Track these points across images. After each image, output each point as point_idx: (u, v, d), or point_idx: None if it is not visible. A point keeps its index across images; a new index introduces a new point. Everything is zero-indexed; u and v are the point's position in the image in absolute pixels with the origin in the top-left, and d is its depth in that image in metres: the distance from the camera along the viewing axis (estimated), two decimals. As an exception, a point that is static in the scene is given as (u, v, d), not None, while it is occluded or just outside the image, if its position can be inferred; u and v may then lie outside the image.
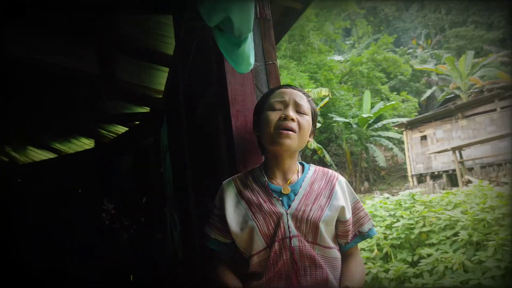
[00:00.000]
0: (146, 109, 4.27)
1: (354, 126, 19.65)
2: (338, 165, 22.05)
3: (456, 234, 5.54)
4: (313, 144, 16.59)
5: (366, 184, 20.85)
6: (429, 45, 33.66)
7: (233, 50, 1.01)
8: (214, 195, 1.25)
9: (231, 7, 0.87)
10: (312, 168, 1.27)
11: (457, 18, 32.34)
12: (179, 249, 2.62)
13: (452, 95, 22.84)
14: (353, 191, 1.26)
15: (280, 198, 1.16)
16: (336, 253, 1.18)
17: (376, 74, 23.86)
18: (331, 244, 1.17)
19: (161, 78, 3.57)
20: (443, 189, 13.88)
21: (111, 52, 3.26)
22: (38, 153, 6.11)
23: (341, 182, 1.24)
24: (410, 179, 18.37)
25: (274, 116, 1.17)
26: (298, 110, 1.18)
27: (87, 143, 5.65)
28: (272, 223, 1.13)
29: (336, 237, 1.23)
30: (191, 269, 2.48)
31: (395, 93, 24.90)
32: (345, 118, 19.85)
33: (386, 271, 5.33)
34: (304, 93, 1.23)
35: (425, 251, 5.53)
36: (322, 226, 1.13)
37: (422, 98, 26.71)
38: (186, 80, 1.82)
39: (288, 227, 1.12)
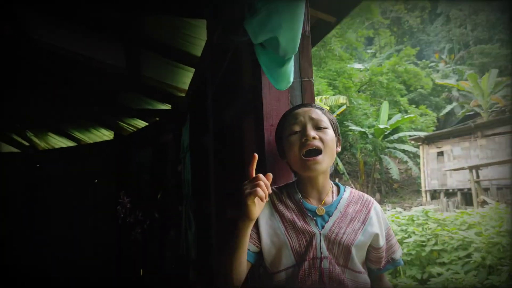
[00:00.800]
0: (167, 106, 4.30)
1: (370, 136, 19.46)
2: (351, 174, 21.87)
3: (469, 256, 5.45)
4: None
5: (377, 195, 20.62)
6: (452, 60, 33.12)
7: (275, 68, 1.01)
8: (237, 203, 1.24)
9: (280, 27, 0.86)
10: (348, 190, 1.24)
11: (483, 34, 31.74)
12: (193, 249, 2.63)
13: (472, 113, 22.44)
14: (386, 218, 1.25)
15: (314, 218, 1.15)
16: (366, 278, 1.17)
17: (396, 86, 23.59)
18: (361, 269, 1.16)
19: (185, 77, 3.60)
20: (457, 207, 13.64)
21: (138, 48, 3.31)
22: (58, 140, 6.21)
23: (376, 208, 1.22)
24: (423, 194, 18.09)
25: (295, 140, 1.15)
26: (317, 126, 1.16)
27: (106, 134, 5.72)
28: (304, 242, 1.11)
29: (368, 262, 1.22)
30: (204, 271, 2.50)
31: (414, 106, 24.57)
32: (361, 128, 19.68)
33: (395, 286, 5.27)
34: (318, 107, 1.22)
35: (435, 269, 5.46)
36: (354, 250, 1.12)
37: (441, 113, 26.28)
38: (216, 86, 1.83)
39: (320, 248, 1.10)
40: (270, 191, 1.04)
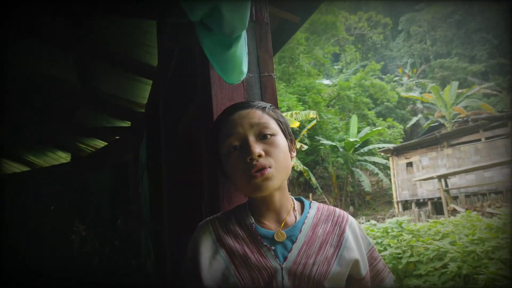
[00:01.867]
0: (127, 123, 4.04)
1: (341, 149, 19.65)
2: (324, 188, 21.93)
3: (445, 266, 5.39)
4: (299, 166, 16.45)
5: (351, 208, 20.71)
6: (414, 74, 34.48)
7: (222, 52, 0.76)
8: (193, 227, 0.98)
9: (222, -5, 0.65)
10: (314, 206, 0.97)
11: (442, 49, 33.36)
12: (154, 280, 2.35)
13: (437, 124, 23.19)
14: (367, 236, 0.97)
15: (273, 247, 0.88)
16: None
17: (363, 100, 24.16)
18: None
19: (144, 91, 3.36)
20: (428, 217, 13.82)
21: (91, 61, 3.05)
22: (11, 165, 5.78)
23: (352, 224, 0.95)
24: (395, 205, 18.30)
25: (236, 159, 0.89)
26: (262, 133, 0.89)
27: (63, 157, 5.36)
28: (262, 282, 0.85)
29: None
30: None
31: (381, 118, 25.20)
32: (332, 142, 19.87)
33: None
34: (258, 107, 0.93)
35: (412, 282, 5.37)
36: (328, 285, 0.86)
37: (408, 125, 27.06)
38: (166, 93, 1.59)
39: (283, 287, 0.84)
40: None
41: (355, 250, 0.91)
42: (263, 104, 0.94)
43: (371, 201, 22.05)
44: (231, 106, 0.95)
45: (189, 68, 1.36)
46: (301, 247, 0.88)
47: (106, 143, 4.55)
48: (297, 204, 0.98)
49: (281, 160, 0.89)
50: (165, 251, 1.78)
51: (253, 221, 0.92)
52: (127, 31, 2.42)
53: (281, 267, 0.85)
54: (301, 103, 20.48)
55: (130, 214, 3.86)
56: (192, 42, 1.20)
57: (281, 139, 0.91)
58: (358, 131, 20.54)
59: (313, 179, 17.64)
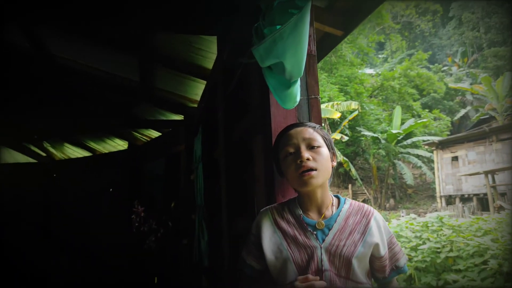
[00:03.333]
0: (180, 117, 4.39)
1: (383, 141, 19.32)
2: (364, 179, 21.70)
3: (485, 262, 5.35)
4: (340, 157, 16.43)
5: (391, 201, 20.40)
6: (465, 63, 32.73)
7: (282, 90, 1.06)
8: (246, 217, 1.30)
9: (285, 53, 0.92)
10: (348, 202, 1.28)
11: (496, 37, 31.31)
12: (205, 257, 2.69)
13: (487, 116, 22.09)
14: (388, 226, 1.27)
15: (315, 232, 1.19)
16: None
17: (408, 90, 23.43)
18: (363, 279, 1.19)
19: (196, 88, 3.68)
20: (473, 213, 13.41)
21: (151, 63, 3.41)
22: (74, 150, 6.35)
23: (376, 218, 1.25)
24: (438, 199, 17.83)
25: (290, 162, 1.21)
26: (310, 145, 1.21)
27: (120, 144, 5.83)
28: (306, 256, 1.16)
29: (373, 272, 1.26)
30: (216, 279, 2.55)
31: (427, 110, 24.31)
32: (374, 133, 19.56)
33: (408, 293, 5.21)
34: (310, 126, 1.25)
35: (451, 277, 5.38)
36: (354, 262, 1.15)
37: (455, 118, 25.95)
38: (226, 102, 1.90)
39: (321, 261, 1.15)
40: None
41: (377, 236, 1.21)
42: (313, 124, 1.27)
43: (413, 195, 21.56)
44: (290, 124, 1.29)
45: (248, 85, 1.64)
46: (335, 233, 1.19)
47: (160, 134, 4.95)
48: (334, 200, 1.28)
49: (323, 165, 1.20)
50: (220, 233, 2.10)
51: (301, 212, 1.24)
52: (187, 39, 2.73)
53: (320, 246, 1.17)
54: (342, 94, 20.26)
55: (181, 199, 4.25)
56: (251, 67, 1.47)
57: (325, 150, 1.23)
58: (402, 123, 20.05)
59: (353, 170, 17.56)
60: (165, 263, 4.30)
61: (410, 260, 6.10)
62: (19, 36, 3.55)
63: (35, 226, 5.63)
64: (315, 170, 1.18)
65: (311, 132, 1.23)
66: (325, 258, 1.15)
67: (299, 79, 1.05)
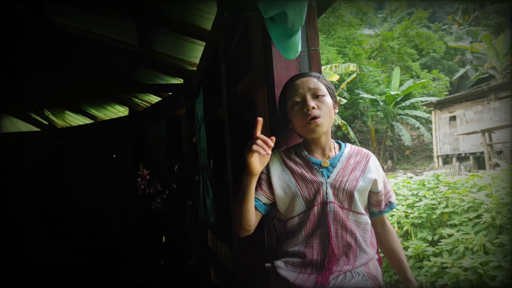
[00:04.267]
0: (179, 80, 4.39)
1: (381, 103, 19.31)
2: (362, 142, 21.88)
3: (479, 217, 5.52)
4: (338, 120, 16.49)
5: (389, 162, 20.69)
6: (466, 21, 31.98)
7: (285, 40, 1.12)
8: None
9: (288, 2, 0.98)
10: (349, 146, 1.42)
11: (499, -7, 30.41)
12: (211, 214, 2.81)
13: (486, 75, 21.92)
14: (381, 168, 1.43)
15: (320, 170, 1.32)
16: (367, 219, 1.35)
17: (407, 50, 23.11)
18: (363, 211, 1.34)
19: (195, 51, 3.66)
20: (469, 171, 13.65)
21: (150, 25, 3.38)
22: (75, 117, 6.38)
23: (374, 158, 1.40)
24: (435, 159, 18.08)
25: (297, 110, 1.30)
26: (315, 94, 1.30)
27: (121, 111, 5.86)
28: (313, 190, 1.29)
29: (370, 207, 1.41)
30: (223, 231, 2.69)
31: (426, 70, 24.10)
32: (372, 95, 19.51)
33: (406, 248, 5.42)
34: (314, 76, 1.34)
35: (446, 231, 5.55)
36: (356, 194, 1.29)
37: (454, 77, 25.75)
38: (228, 60, 1.94)
39: (327, 194, 1.28)
40: (270, 147, 1.20)
41: (375, 173, 1.37)
42: (317, 74, 1.36)
43: (411, 156, 21.82)
44: (296, 75, 1.38)
45: (249, 42, 1.69)
46: (339, 170, 1.33)
47: (160, 99, 4.97)
48: (336, 145, 1.43)
49: (327, 113, 1.31)
50: (226, 189, 2.20)
51: (307, 153, 1.37)
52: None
53: (326, 182, 1.30)
54: (341, 56, 20.02)
55: (184, 161, 4.36)
56: (252, 23, 1.51)
57: (328, 99, 1.33)
58: (401, 84, 19.96)
59: (351, 133, 17.67)
60: (171, 223, 4.46)
61: (406, 216, 6.28)
62: (15, 1, 3.51)
63: (41, 195, 5.74)
64: (320, 117, 1.28)
65: (316, 82, 1.32)
66: (330, 191, 1.28)
67: (300, 29, 1.11)
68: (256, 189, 1.35)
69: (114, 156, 5.59)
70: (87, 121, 6.29)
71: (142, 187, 4.37)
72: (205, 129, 2.82)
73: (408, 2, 32.77)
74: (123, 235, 5.06)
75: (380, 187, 1.37)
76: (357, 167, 1.35)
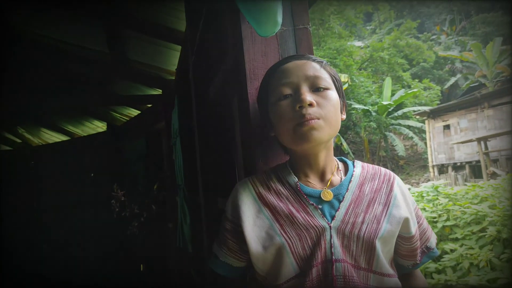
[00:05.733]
0: (158, 91, 4.07)
1: (373, 113, 19.18)
2: (356, 153, 21.68)
3: (483, 230, 5.28)
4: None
5: (384, 173, 20.44)
6: (453, 31, 32.44)
7: (258, 7, 0.72)
8: (229, 192, 0.95)
9: None
10: (359, 165, 0.93)
11: (484, 3, 30.97)
12: (189, 242, 2.42)
13: (477, 84, 21.98)
14: (411, 196, 0.93)
15: (320, 206, 0.84)
16: (397, 282, 0.86)
17: (397, 61, 23.20)
18: (390, 270, 0.85)
19: (174, 58, 3.35)
20: (466, 180, 13.44)
21: (121, 29, 3.05)
22: (51, 134, 6.04)
23: (399, 183, 0.91)
24: (431, 169, 17.87)
25: (285, 107, 0.84)
26: (315, 85, 0.85)
27: (99, 126, 5.53)
28: (310, 241, 0.81)
29: (399, 258, 0.92)
30: (200, 267, 2.29)
31: (417, 80, 24.19)
32: (364, 106, 19.38)
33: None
34: (314, 59, 0.89)
35: (448, 246, 5.30)
36: (378, 245, 0.81)
37: (445, 86, 25.85)
38: (196, 57, 1.55)
39: (331, 247, 0.80)
40: None
41: (404, 208, 0.87)
42: (320, 58, 0.90)
43: (405, 166, 21.64)
44: (287, 57, 0.91)
45: (217, 29, 1.30)
46: (348, 205, 0.84)
47: (139, 112, 4.64)
48: (340, 164, 0.94)
49: (331, 114, 0.84)
50: (201, 215, 1.81)
51: (297, 180, 0.88)
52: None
53: (330, 226, 0.81)
54: (332, 66, 19.94)
55: (164, 180, 3.98)
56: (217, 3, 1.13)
57: (334, 94, 0.87)
58: (392, 94, 19.90)
59: (344, 144, 17.44)
60: (150, 249, 4.04)
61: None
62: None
63: (16, 217, 5.36)
64: (319, 119, 0.83)
65: (317, 69, 0.87)
66: (336, 243, 0.80)
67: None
68: (221, 248, 0.91)
69: (92, 175, 5.20)
70: (64, 137, 5.93)
71: (117, 209, 3.95)
72: (181, 143, 2.45)
73: (396, 13, 33.19)
74: (97, 263, 4.64)
75: (413, 228, 0.87)
76: (376, 198, 0.86)
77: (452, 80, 25.51)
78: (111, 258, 4.52)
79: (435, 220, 5.89)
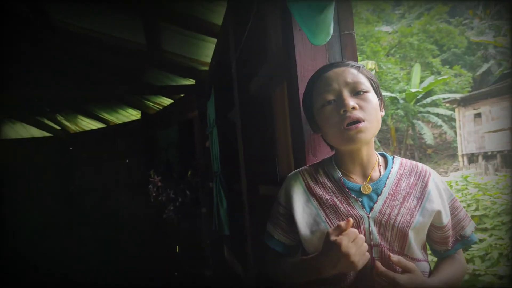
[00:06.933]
0: (191, 81, 4.20)
1: (401, 101, 18.80)
2: (382, 141, 21.38)
3: (513, 221, 5.21)
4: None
5: (410, 162, 20.11)
6: (487, 15, 30.98)
7: (313, 16, 0.81)
8: (269, 180, 1.09)
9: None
10: (398, 161, 1.05)
11: (523, -16, 29.38)
12: (226, 225, 2.57)
13: (511, 70, 21.10)
14: (449, 188, 1.04)
15: (360, 199, 0.97)
16: (426, 266, 0.99)
17: (427, 46, 22.48)
18: (421, 255, 0.98)
19: (207, 49, 3.45)
20: (497, 170, 13.08)
21: (157, 22, 3.18)
22: (88, 122, 6.30)
23: (435, 179, 1.01)
24: (460, 158, 17.43)
25: (330, 112, 0.96)
26: (356, 90, 0.96)
27: (133, 114, 5.73)
28: None
29: (432, 244, 1.04)
30: (237, 247, 2.43)
31: (447, 66, 23.40)
32: (392, 93, 19.01)
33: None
34: (353, 66, 1.00)
35: (477, 236, 5.26)
36: (411, 234, 0.94)
37: (477, 73, 24.88)
38: (239, 54, 1.66)
39: (370, 234, 0.93)
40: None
41: (438, 201, 0.97)
42: (357, 64, 1.00)
43: (433, 155, 21.18)
44: (327, 65, 1.03)
45: (261, 31, 1.40)
46: (385, 199, 0.96)
47: (172, 101, 4.79)
48: (381, 159, 1.05)
49: (373, 115, 0.96)
50: (240, 200, 1.94)
51: (341, 175, 1.01)
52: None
53: (368, 216, 0.94)
54: (358, 53, 19.57)
55: (197, 167, 4.15)
56: (264, 10, 1.23)
57: (373, 96, 0.98)
58: (421, 81, 19.41)
59: (371, 132, 17.22)
60: (185, 231, 4.25)
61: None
62: (18, 3, 3.37)
63: (55, 201, 5.68)
64: (364, 121, 0.94)
65: (356, 74, 0.97)
66: (374, 230, 0.93)
67: (334, 1, 0.82)
68: (275, 228, 1.06)
69: (127, 161, 5.44)
70: (100, 125, 6.19)
71: (154, 194, 4.16)
72: (218, 133, 2.57)
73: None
74: (135, 244, 4.90)
75: (446, 219, 0.98)
76: (411, 193, 0.97)
77: (485, 66, 24.53)
78: (148, 240, 4.76)
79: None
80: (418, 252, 0.97)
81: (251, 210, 1.64)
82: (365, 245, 0.86)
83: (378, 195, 0.97)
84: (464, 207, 5.90)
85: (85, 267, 4.63)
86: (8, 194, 5.52)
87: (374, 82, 1.01)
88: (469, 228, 1.03)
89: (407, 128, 19.84)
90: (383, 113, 1.03)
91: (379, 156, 1.06)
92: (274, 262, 1.08)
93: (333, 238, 0.85)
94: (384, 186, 0.98)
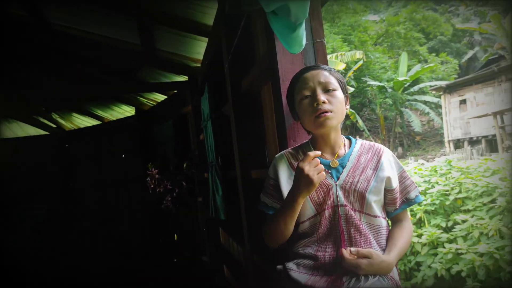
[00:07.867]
0: (184, 78, 4.37)
1: (389, 90, 19.08)
2: (371, 130, 21.70)
3: (493, 201, 5.43)
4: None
5: (399, 149, 20.50)
6: (473, 1, 31.33)
7: (288, 33, 1.07)
8: (259, 164, 1.33)
9: (289, -5, 0.92)
10: (359, 142, 1.34)
11: (507, -30, 29.69)
12: (222, 211, 2.80)
13: (496, 56, 21.46)
14: (399, 161, 1.33)
15: (329, 171, 1.26)
16: (382, 221, 1.28)
17: (414, 35, 22.77)
18: (378, 213, 1.26)
19: (198, 47, 3.63)
20: (481, 155, 13.46)
21: (150, 23, 3.35)
22: (83, 119, 6.40)
23: (387, 154, 1.31)
24: (446, 144, 17.84)
25: (306, 104, 1.24)
26: (326, 88, 1.24)
27: (128, 111, 5.86)
28: (323, 193, 1.24)
29: (386, 206, 1.32)
30: (233, 229, 2.67)
31: (434, 54, 23.73)
32: (380, 82, 19.28)
33: (419, 236, 5.37)
34: (325, 69, 1.28)
35: (460, 217, 5.48)
36: (368, 196, 1.23)
37: (463, 60, 25.28)
38: (231, 55, 1.90)
39: (337, 197, 1.23)
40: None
41: (388, 170, 1.27)
42: (328, 67, 1.30)
43: (421, 142, 21.59)
44: (306, 67, 1.33)
45: (252, 36, 1.64)
46: (349, 170, 1.26)
47: (166, 97, 4.96)
48: (346, 141, 1.35)
49: (338, 107, 1.25)
50: (235, 186, 2.17)
51: None
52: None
53: (335, 184, 1.25)
54: (346, 43, 19.79)
55: (193, 159, 4.35)
56: (253, 16, 1.46)
57: (339, 93, 1.26)
58: (408, 69, 19.68)
59: (359, 121, 17.51)
60: (183, 220, 4.46)
61: (419, 204, 6.19)
62: (16, 5, 3.50)
63: (54, 199, 5.79)
64: (331, 112, 1.22)
65: (327, 75, 1.26)
66: (340, 194, 1.23)
67: (304, 21, 1.06)
68: (267, 197, 1.35)
69: (123, 156, 5.61)
70: (95, 122, 6.31)
71: (152, 186, 4.38)
72: (212, 126, 2.79)
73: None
74: (135, 235, 5.09)
75: (395, 184, 1.28)
76: (368, 165, 1.27)
77: (470, 53, 24.93)
78: (148, 229, 4.96)
79: (447, 193, 6.04)
80: (375, 210, 1.25)
81: (245, 193, 1.89)
82: (321, 167, 1.15)
83: (343, 167, 1.27)
84: (448, 190, 6.11)
85: (86, 261, 4.79)
86: (7, 193, 5.62)
87: (342, 82, 1.29)
88: (414, 192, 1.32)
89: (395, 116, 20.17)
90: (347, 107, 1.31)
91: (345, 138, 1.35)
92: (267, 222, 1.35)
93: (300, 164, 1.14)
94: (348, 161, 1.28)
